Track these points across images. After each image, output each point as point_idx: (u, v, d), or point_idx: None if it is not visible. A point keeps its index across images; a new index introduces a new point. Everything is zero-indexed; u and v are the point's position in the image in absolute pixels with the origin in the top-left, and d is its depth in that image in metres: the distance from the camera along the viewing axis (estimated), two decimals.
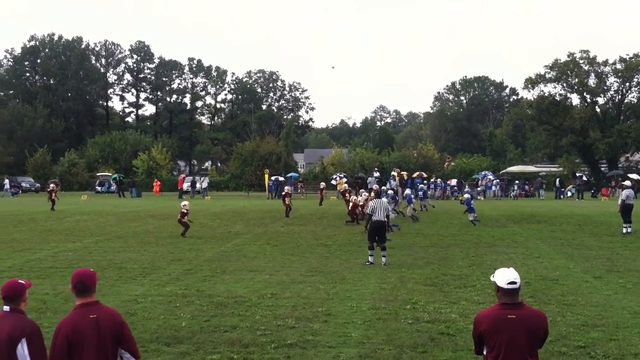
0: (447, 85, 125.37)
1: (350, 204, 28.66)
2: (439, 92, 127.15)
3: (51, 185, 34.61)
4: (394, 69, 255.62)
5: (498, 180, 56.30)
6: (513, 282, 5.34)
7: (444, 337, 9.85)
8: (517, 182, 56.41)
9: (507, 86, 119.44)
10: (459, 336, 9.85)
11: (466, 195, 30.21)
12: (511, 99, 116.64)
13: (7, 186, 60.64)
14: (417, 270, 15.88)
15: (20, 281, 5.34)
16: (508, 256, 18.32)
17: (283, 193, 32.54)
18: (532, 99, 73.57)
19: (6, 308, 5.15)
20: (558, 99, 71.60)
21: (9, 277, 14.80)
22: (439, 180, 53.07)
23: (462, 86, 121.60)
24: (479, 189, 53.00)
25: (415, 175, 52.22)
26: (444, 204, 42.94)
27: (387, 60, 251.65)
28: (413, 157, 68.45)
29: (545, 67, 70.90)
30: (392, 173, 53.18)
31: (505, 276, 5.39)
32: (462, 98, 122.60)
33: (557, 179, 56.20)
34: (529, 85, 72.37)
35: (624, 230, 23.91)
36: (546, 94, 71.78)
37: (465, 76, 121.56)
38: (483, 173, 57.37)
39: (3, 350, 4.93)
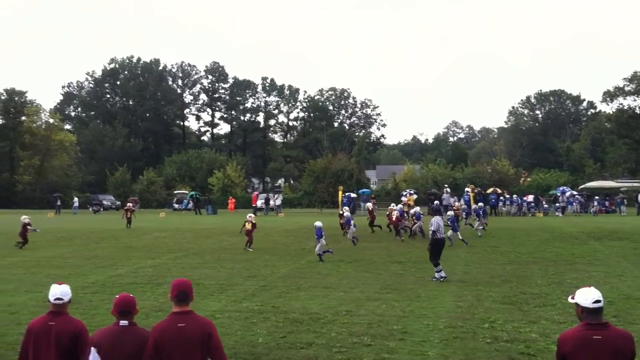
0: (522, 100, 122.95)
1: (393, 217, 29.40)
2: (513, 107, 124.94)
3: (128, 204, 35.44)
4: (467, 84, 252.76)
5: (577, 196, 54.66)
6: (598, 301, 5.18)
7: (524, 357, 9.62)
8: (596, 197, 54.61)
9: (584, 99, 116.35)
10: (540, 356, 9.61)
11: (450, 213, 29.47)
12: (589, 113, 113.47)
13: (76, 204, 62.65)
14: (494, 288, 15.57)
15: (131, 295, 5.72)
16: (589, 274, 17.73)
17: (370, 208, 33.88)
18: (611, 112, 71.38)
19: (124, 322, 5.45)
20: (638, 112, 69.12)
21: (93, 292, 15.37)
22: (514, 196, 51.96)
23: (537, 100, 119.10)
24: (557, 204, 51.59)
25: (489, 191, 51.40)
26: (520, 220, 41.98)
27: (459, 76, 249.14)
28: (487, 172, 67.27)
29: (624, 79, 68.73)
30: (466, 189, 52.62)
31: (589, 295, 5.23)
32: (538, 112, 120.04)
33: (639, 195, 54.07)
34: (608, 99, 70.31)
35: None
36: (625, 107, 69.45)
37: (541, 90, 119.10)
38: (561, 189, 55.78)
39: None
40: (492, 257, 22.06)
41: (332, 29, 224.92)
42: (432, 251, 17.02)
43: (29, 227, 24.91)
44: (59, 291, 5.93)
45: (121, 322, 5.47)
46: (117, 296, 5.69)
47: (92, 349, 5.41)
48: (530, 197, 52.92)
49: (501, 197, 51.06)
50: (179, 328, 5.35)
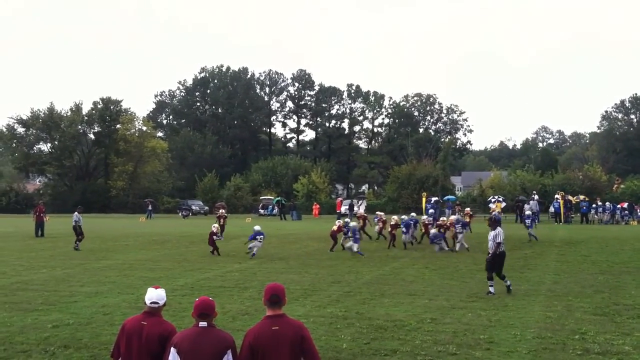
0: (616, 104, 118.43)
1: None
2: (606, 111, 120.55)
3: (220, 210, 35.23)
4: (557, 88, 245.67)
5: None
6: None
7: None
8: None
9: None
10: None
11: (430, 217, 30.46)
12: None
13: (150, 207, 64.46)
14: (585, 298, 15.07)
15: (210, 298, 5.89)
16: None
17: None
18: None
19: (203, 324, 5.62)
20: None
21: (182, 294, 15.83)
22: (607, 203, 50.07)
23: (632, 104, 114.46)
24: None
25: (581, 198, 49.67)
26: (613, 228, 40.43)
27: (548, 79, 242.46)
28: (578, 179, 65.09)
29: None
30: (556, 196, 51.08)
31: None
32: (633, 117, 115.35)
33: None
34: None
35: None
36: None
37: (636, 94, 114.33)
38: None
39: None
40: (583, 266, 21.35)
41: (418, 33, 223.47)
42: (493, 263, 15.81)
43: (214, 236, 25.68)
44: (155, 294, 6.19)
45: (200, 323, 5.62)
46: (197, 299, 5.86)
47: (172, 349, 5.58)
48: (624, 205, 50.85)
49: (593, 205, 49.32)
50: (273, 331, 5.50)
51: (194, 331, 5.63)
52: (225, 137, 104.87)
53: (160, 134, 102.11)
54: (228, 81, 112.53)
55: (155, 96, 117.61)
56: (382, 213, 34.26)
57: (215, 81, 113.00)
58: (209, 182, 78.96)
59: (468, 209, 34.59)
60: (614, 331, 11.72)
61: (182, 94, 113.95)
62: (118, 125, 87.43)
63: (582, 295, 15.46)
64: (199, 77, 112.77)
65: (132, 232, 37.37)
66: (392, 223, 28.92)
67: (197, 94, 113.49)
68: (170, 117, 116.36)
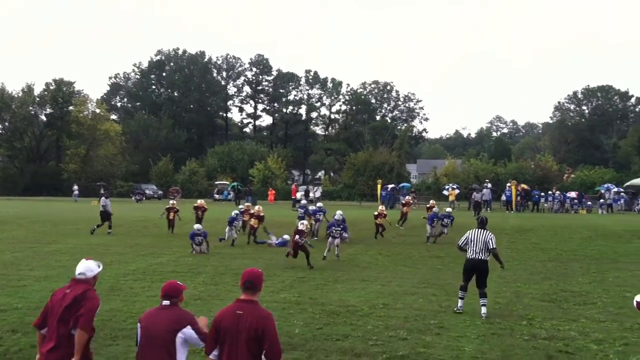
0: (569, 95, 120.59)
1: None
2: (559, 102, 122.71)
3: (171, 201, 32.31)
4: (512, 79, 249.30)
5: (623, 194, 53.52)
6: None
7: (562, 355, 9.54)
8: None
9: (632, 95, 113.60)
10: (578, 355, 9.51)
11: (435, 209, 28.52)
12: (637, 109, 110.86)
13: (76, 192, 63.80)
14: (534, 285, 15.41)
15: (178, 282, 6.14)
16: (632, 273, 17.42)
17: (403, 202, 33.34)
18: None
19: (166, 302, 5.87)
20: None
21: (134, 279, 15.68)
22: (557, 192, 51.16)
23: (584, 95, 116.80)
24: (601, 201, 50.64)
25: (521, 187, 50.61)
26: (562, 217, 41.32)
27: (503, 69, 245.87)
28: (530, 168, 66.31)
29: None
30: (508, 185, 51.99)
31: None
32: (584, 108, 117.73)
33: None
34: None
35: None
36: None
37: (588, 85, 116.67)
38: (606, 186, 54.66)
39: (167, 341, 5.66)
40: (533, 253, 21.83)
41: (377, 22, 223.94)
42: (463, 271, 12.98)
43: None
44: (82, 266, 6.35)
45: (163, 302, 5.89)
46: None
47: (138, 324, 5.87)
48: (573, 194, 52.04)
49: (543, 193, 50.39)
50: (236, 315, 5.54)
51: (156, 308, 5.95)
52: (181, 121, 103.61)
53: (114, 116, 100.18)
54: (184, 64, 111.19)
55: (110, 78, 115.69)
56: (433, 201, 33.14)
57: (172, 64, 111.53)
58: (164, 167, 78.10)
59: (432, 201, 34.39)
60: (561, 317, 12.00)
61: (137, 76, 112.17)
62: (71, 107, 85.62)
63: (531, 282, 15.80)
64: (154, 60, 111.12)
65: (84, 216, 36.72)
66: (375, 213, 27.69)
67: (152, 76, 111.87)
68: (125, 100, 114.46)
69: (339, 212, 21.85)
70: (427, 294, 14.19)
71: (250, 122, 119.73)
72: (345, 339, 10.28)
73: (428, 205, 32.37)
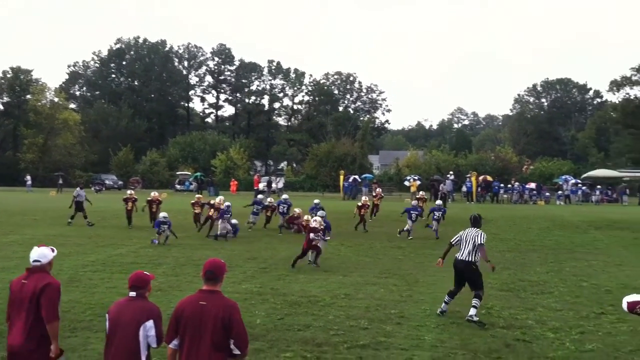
0: (528, 87, 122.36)
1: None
2: (519, 94, 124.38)
3: (129, 191, 31.14)
4: (473, 70, 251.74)
5: (580, 185, 54.61)
6: None
7: (520, 343, 9.69)
8: (599, 187, 54.56)
9: (590, 88, 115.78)
10: (535, 343, 9.68)
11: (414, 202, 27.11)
12: (595, 102, 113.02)
13: (29, 182, 62.73)
14: (492, 275, 15.54)
15: (145, 272, 6.10)
16: (588, 263, 17.79)
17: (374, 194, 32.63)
18: (617, 102, 71.19)
19: (132, 294, 5.83)
20: None
21: (93, 270, 15.47)
22: (516, 184, 51.98)
23: (543, 88, 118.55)
24: (559, 192, 51.61)
25: (481, 178, 51.39)
26: (521, 208, 41.97)
27: (465, 62, 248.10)
28: (490, 160, 67.22)
29: (632, 69, 68.43)
30: (467, 176, 52.64)
31: None
32: (544, 100, 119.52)
33: None
34: (614, 88, 70.04)
35: None
36: (632, 97, 69.24)
37: (547, 78, 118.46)
38: (564, 177, 55.73)
39: (130, 332, 5.65)
40: (492, 244, 22.06)
41: (340, 13, 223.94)
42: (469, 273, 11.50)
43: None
44: (36, 253, 6.39)
45: (130, 293, 5.87)
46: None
47: (107, 315, 5.89)
48: (532, 185, 52.93)
49: (502, 185, 51.19)
50: (200, 306, 5.52)
51: (123, 300, 5.93)
52: (141, 111, 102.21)
53: (73, 105, 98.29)
54: (145, 53, 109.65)
55: (69, 67, 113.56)
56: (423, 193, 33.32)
57: (132, 53, 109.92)
58: (124, 157, 77.13)
59: (422, 193, 34.14)
60: (519, 306, 12.21)
61: (97, 65, 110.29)
62: (28, 96, 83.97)
63: (490, 272, 15.99)
64: (114, 49, 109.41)
65: (42, 206, 36.10)
66: (359, 204, 27.13)
67: (112, 65, 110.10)
68: (84, 88, 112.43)
69: (320, 212, 20.20)
70: (388, 284, 14.29)
71: (212, 112, 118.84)
72: (307, 329, 10.31)
73: (418, 197, 31.72)
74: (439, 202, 27.02)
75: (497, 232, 25.55)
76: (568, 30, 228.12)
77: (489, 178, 52.26)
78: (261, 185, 57.10)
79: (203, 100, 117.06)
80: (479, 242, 11.24)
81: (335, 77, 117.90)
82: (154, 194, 28.21)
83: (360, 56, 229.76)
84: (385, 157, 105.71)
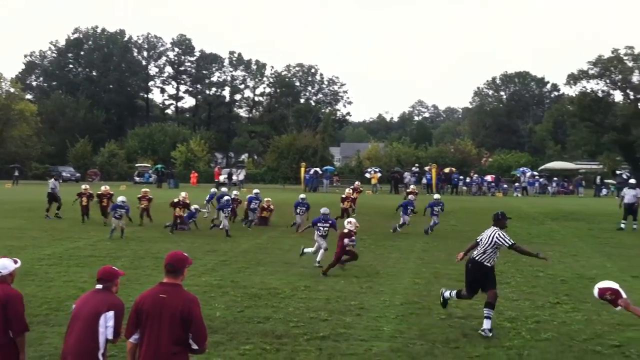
0: (487, 81, 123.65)
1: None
2: (478, 88, 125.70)
3: (84, 185, 28.70)
4: (433, 64, 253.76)
5: (537, 177, 55.60)
6: None
7: (477, 333, 9.83)
8: (555, 179, 55.61)
9: (548, 82, 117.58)
10: (492, 332, 9.81)
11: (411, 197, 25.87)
12: (552, 95, 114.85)
13: (16, 173, 61.47)
14: (451, 266, 15.76)
15: (115, 268, 6.10)
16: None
17: (353, 187, 31.59)
18: (574, 95, 72.55)
19: (98, 286, 5.86)
20: (600, 96, 70.38)
21: (49, 264, 15.23)
22: (475, 176, 52.67)
23: (502, 81, 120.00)
24: (517, 184, 52.46)
25: (446, 170, 52.04)
26: (480, 199, 42.54)
27: (425, 55, 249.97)
28: (450, 152, 67.96)
29: (589, 63, 69.71)
30: (426, 168, 53.17)
31: None
32: (502, 93, 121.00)
33: (597, 177, 55.26)
34: (571, 82, 71.28)
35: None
36: (588, 90, 70.63)
37: (506, 71, 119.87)
38: (522, 169, 56.69)
39: (90, 321, 5.61)
40: (452, 235, 22.38)
41: (300, 3, 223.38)
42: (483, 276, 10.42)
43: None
44: None
45: (96, 286, 5.89)
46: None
47: (73, 306, 5.92)
48: (490, 177, 53.74)
49: (461, 177, 51.83)
50: (160, 298, 5.47)
51: (89, 292, 5.99)
52: (99, 102, 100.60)
53: (29, 96, 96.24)
54: (103, 43, 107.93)
55: (25, 56, 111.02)
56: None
57: (90, 43, 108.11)
58: (82, 148, 75.88)
59: (413, 186, 33.84)
60: (476, 296, 12.33)
61: (54, 55, 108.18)
62: None
63: (449, 263, 16.17)
64: (72, 38, 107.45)
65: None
66: (342, 196, 26.84)
67: (70, 55, 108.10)
68: (41, 79, 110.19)
69: (323, 209, 17.29)
70: (349, 276, 14.36)
71: (172, 104, 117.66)
72: (267, 321, 10.32)
73: (409, 191, 31.11)
74: (437, 195, 25.40)
75: (456, 224, 25.89)
76: (528, 25, 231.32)
77: (454, 170, 52.84)
78: (222, 178, 56.85)
79: (163, 91, 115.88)
80: (508, 244, 10.36)
81: (297, 68, 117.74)
82: (104, 187, 26.33)
83: (321, 48, 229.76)
84: (346, 149, 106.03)
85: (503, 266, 15.87)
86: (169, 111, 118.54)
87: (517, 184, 52.44)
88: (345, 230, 14.85)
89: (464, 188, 50.92)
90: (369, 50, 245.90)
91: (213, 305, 11.29)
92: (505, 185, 52.48)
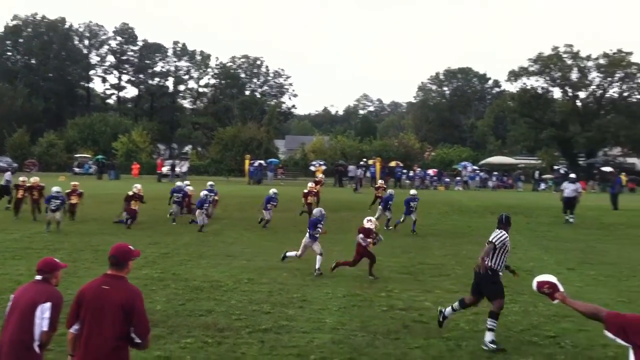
0: (431, 76, 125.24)
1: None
2: (422, 83, 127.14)
3: (21, 178, 26.57)
4: (377, 58, 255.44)
5: (478, 171, 56.70)
6: None
7: (417, 324, 9.98)
8: (495, 173, 56.80)
9: (489, 78, 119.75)
10: (432, 324, 9.98)
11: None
12: (494, 91, 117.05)
13: None
14: (393, 258, 15.99)
15: (56, 260, 6.05)
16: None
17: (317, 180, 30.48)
18: (515, 92, 74.21)
19: (38, 277, 5.78)
20: (540, 92, 72.23)
21: None
22: (418, 169, 53.38)
23: (445, 77, 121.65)
24: (458, 178, 53.39)
25: (370, 163, 52.64)
26: (422, 193, 43.05)
27: (370, 49, 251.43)
28: (394, 146, 68.65)
29: (529, 60, 71.39)
30: (369, 161, 53.60)
31: None
32: (445, 89, 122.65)
33: (536, 172, 56.69)
34: (512, 78, 72.93)
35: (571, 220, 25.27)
36: (529, 87, 72.38)
37: (449, 67, 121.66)
38: (463, 164, 57.73)
39: (26, 312, 5.55)
40: (396, 228, 22.59)
41: None
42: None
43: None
44: None
45: (36, 277, 5.82)
46: None
47: (11, 296, 5.85)
48: (431, 171, 54.58)
49: (405, 170, 52.50)
50: (102, 290, 5.42)
51: (28, 283, 5.97)
52: (38, 90, 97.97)
53: None
54: (43, 31, 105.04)
55: None
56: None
57: (29, 30, 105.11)
58: (19, 138, 73.83)
59: (381, 181, 32.66)
60: (417, 288, 12.56)
61: None
62: None
63: (391, 255, 16.39)
64: (10, 25, 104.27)
65: None
66: (305, 191, 25.83)
67: (8, 42, 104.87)
68: None
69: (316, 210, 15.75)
70: (292, 268, 14.37)
71: (113, 93, 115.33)
72: (209, 314, 10.25)
73: (377, 186, 30.46)
74: (413, 191, 24.30)
75: (398, 217, 26.12)
76: (471, 22, 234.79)
77: (400, 164, 53.43)
78: (164, 169, 56.20)
79: (104, 80, 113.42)
80: (490, 239, 9.84)
81: (242, 60, 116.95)
82: (34, 179, 24.53)
83: (267, 40, 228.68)
84: (291, 142, 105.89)
85: (444, 259, 16.17)
86: (110, 101, 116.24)
87: (458, 178, 53.37)
88: (366, 226, 14.03)
89: (407, 182, 51.53)
90: (315, 44, 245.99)
91: (154, 298, 11.15)
92: (447, 179, 53.36)
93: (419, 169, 53.60)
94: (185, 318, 10.00)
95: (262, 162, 55.97)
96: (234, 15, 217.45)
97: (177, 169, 57.06)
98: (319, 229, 14.54)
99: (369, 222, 14.21)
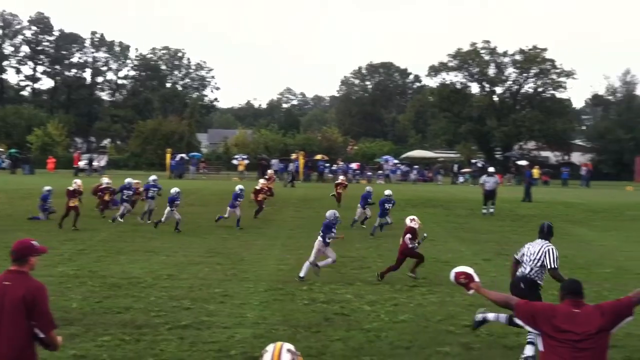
0: (354, 70, 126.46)
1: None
2: (345, 77, 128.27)
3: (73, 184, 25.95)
4: (302, 52, 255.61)
5: (399, 165, 57.61)
6: None
7: (338, 317, 10.05)
8: (416, 167, 57.85)
9: (410, 73, 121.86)
10: (353, 316, 10.09)
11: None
12: (415, 86, 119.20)
13: None
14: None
15: (33, 242, 5.54)
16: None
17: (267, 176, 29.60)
18: (435, 87, 75.76)
19: (12, 268, 5.39)
20: (459, 87, 74.00)
21: None
22: (341, 163, 53.78)
23: (368, 71, 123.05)
24: (379, 172, 54.09)
25: (318, 157, 52.90)
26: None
27: (294, 43, 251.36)
28: (317, 140, 68.93)
29: (449, 55, 73.00)
30: (292, 155, 53.66)
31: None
32: (368, 83, 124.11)
33: (455, 165, 58.08)
34: (432, 73, 74.44)
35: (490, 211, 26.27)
36: (448, 82, 74.02)
37: (372, 61, 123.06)
38: (385, 157, 58.55)
39: (15, 316, 5.21)
40: (317, 222, 22.52)
41: None
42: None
43: None
44: None
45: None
46: None
47: None
48: (355, 165, 55.11)
49: (327, 164, 52.83)
50: (3, 286, 5.26)
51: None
52: None
53: None
54: None
55: None
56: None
57: None
58: None
59: (342, 177, 31.62)
60: (339, 281, 12.66)
61: None
62: None
63: (312, 248, 16.42)
64: None
65: None
66: (257, 187, 24.33)
67: None
68: None
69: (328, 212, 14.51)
70: (213, 263, 14.25)
71: (28, 85, 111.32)
72: (127, 312, 10.04)
73: (337, 182, 29.57)
74: (388, 191, 22.88)
75: (321, 210, 26.21)
76: (394, 16, 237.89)
77: (325, 157, 53.73)
78: (81, 163, 54.70)
79: (18, 71, 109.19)
80: (550, 266, 8.78)
81: (163, 52, 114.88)
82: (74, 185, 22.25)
83: (189, 32, 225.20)
84: (214, 136, 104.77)
85: (365, 252, 16.37)
86: (24, 93, 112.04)
87: (380, 172, 54.05)
88: (410, 225, 13.32)
89: (330, 175, 51.84)
90: (239, 38, 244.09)
91: (69, 296, 10.84)
92: (369, 173, 53.98)
93: (341, 163, 53.98)
94: (102, 316, 9.76)
95: (183, 156, 55.10)
96: (155, 5, 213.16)
97: (95, 163, 55.59)
98: (333, 234, 13.37)
99: (413, 222, 13.41)
